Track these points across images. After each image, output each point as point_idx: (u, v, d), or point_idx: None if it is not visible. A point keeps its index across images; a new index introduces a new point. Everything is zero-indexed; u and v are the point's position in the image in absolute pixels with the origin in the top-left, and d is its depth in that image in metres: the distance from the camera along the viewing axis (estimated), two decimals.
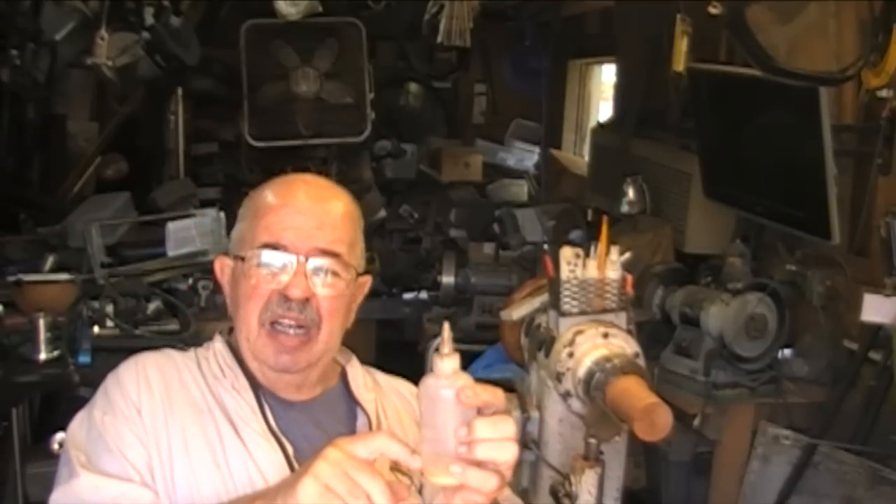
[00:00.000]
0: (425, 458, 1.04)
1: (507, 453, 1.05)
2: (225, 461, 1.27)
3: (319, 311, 1.32)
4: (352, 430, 1.38)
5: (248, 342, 1.33)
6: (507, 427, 1.06)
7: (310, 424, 1.35)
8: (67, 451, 1.28)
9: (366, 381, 1.44)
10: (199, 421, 1.29)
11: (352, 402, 1.41)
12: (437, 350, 1.05)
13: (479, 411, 1.05)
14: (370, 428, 1.37)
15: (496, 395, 1.07)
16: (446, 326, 1.05)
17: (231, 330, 1.42)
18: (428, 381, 1.04)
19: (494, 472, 1.05)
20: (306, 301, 1.31)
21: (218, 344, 1.40)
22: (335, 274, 1.32)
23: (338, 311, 1.34)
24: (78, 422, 1.31)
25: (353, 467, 1.01)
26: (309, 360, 1.34)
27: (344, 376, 1.44)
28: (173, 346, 1.44)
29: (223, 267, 1.41)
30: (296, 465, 1.27)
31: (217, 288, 1.49)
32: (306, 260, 1.31)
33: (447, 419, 1.03)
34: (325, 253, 1.32)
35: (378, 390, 1.45)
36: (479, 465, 1.04)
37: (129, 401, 1.28)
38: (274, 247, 1.31)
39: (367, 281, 1.42)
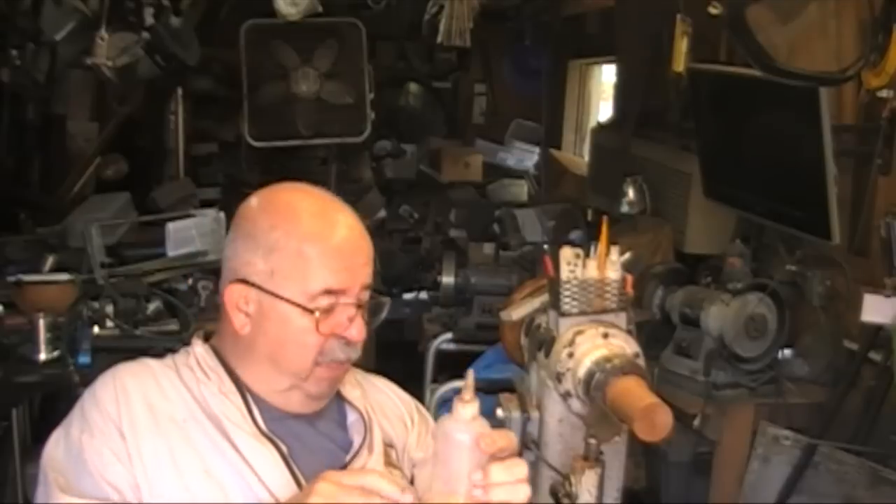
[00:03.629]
0: (435, 493, 1.11)
1: (521, 494, 1.14)
2: (216, 467, 1.24)
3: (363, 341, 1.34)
4: (343, 427, 1.38)
5: (300, 379, 1.31)
6: (520, 470, 1.14)
7: (301, 423, 1.34)
8: (45, 472, 1.25)
9: (349, 379, 1.44)
10: (183, 430, 1.26)
11: (340, 400, 1.41)
12: (458, 395, 1.11)
13: (492, 455, 1.12)
14: (363, 424, 1.37)
15: (510, 440, 1.15)
16: (470, 374, 1.12)
17: (207, 334, 1.39)
18: (446, 424, 1.11)
19: None
20: None
21: (198, 348, 1.35)
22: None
23: None
24: (54, 442, 1.28)
25: (346, 493, 1.09)
26: (343, 379, 1.38)
27: None
28: (149, 355, 1.40)
29: (241, 298, 1.30)
30: (292, 465, 1.27)
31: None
32: (360, 302, 1.31)
33: (462, 461, 1.10)
34: (368, 287, 1.33)
35: (361, 387, 1.45)
36: None
37: (108, 419, 1.25)
38: (334, 292, 1.29)
39: None
